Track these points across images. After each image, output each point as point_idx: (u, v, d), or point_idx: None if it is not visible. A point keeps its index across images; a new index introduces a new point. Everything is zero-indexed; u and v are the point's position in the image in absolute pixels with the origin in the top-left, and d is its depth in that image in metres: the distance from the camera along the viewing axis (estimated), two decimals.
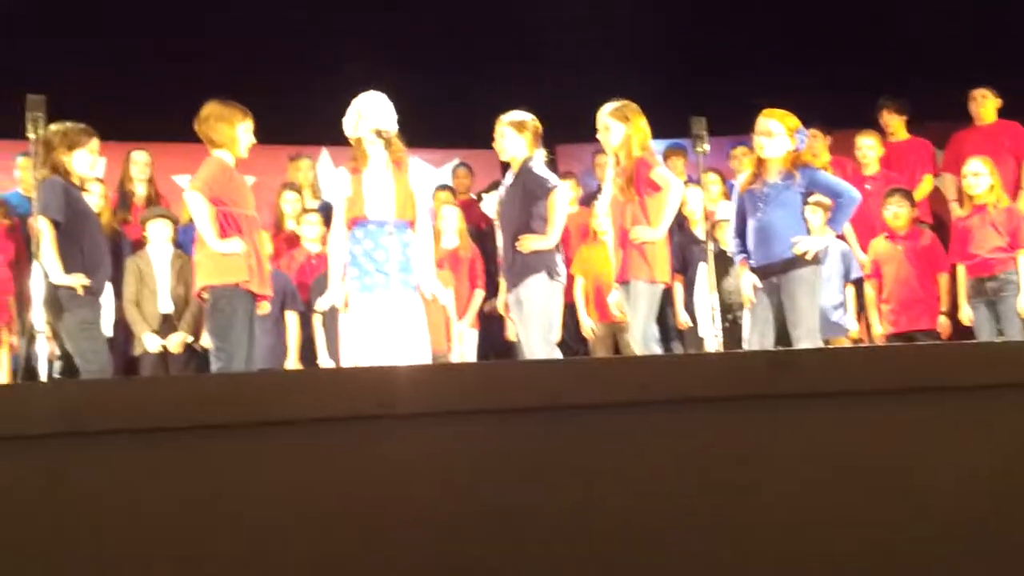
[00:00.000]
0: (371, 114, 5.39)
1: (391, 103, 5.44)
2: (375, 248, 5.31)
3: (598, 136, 5.72)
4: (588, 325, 6.88)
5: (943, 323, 6.63)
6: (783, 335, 5.39)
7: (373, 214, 5.34)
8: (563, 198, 5.68)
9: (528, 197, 5.57)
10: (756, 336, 5.33)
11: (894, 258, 6.72)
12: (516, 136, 5.66)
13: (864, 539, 2.22)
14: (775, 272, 5.29)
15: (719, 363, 2.46)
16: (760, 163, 5.43)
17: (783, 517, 2.19)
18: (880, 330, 6.71)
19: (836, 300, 6.56)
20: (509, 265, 5.63)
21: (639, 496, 2.19)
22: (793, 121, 5.40)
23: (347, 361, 5.31)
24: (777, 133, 5.36)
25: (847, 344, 6.39)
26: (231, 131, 5.29)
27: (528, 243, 5.52)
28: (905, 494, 2.26)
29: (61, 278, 5.10)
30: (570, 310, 6.81)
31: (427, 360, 5.37)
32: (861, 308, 6.88)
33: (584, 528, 2.16)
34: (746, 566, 2.16)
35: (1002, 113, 7.35)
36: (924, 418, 2.28)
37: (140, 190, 7.10)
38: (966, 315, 6.46)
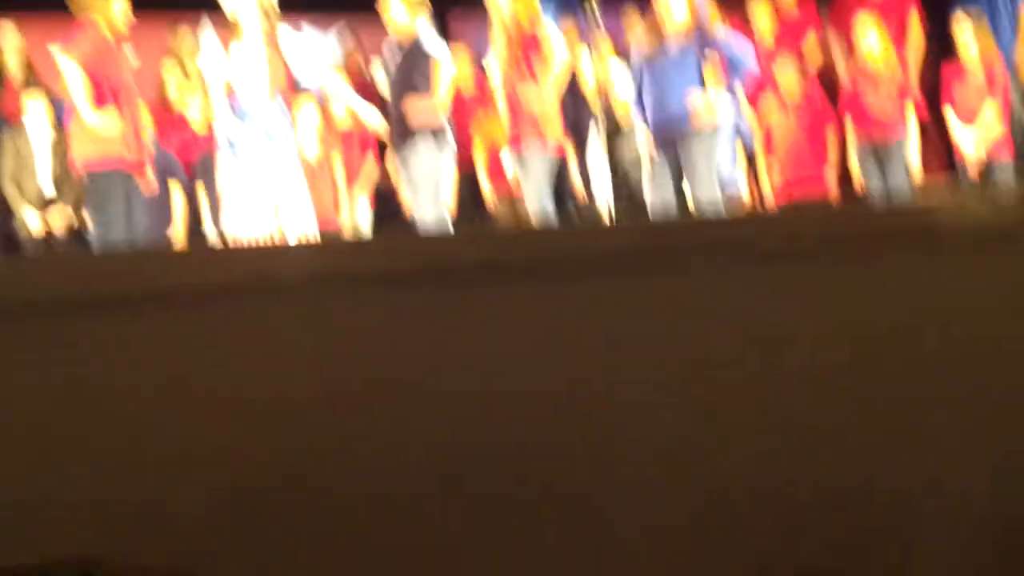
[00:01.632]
0: None
1: None
2: (253, 121, 5.20)
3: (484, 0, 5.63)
4: (489, 193, 6.85)
5: (832, 178, 6.73)
6: (681, 199, 5.45)
7: (248, 88, 5.22)
8: (447, 64, 5.59)
9: (413, 64, 5.49)
10: (657, 197, 5.37)
11: (784, 122, 6.78)
12: (399, 3, 5.54)
13: (743, 405, 2.26)
14: (673, 136, 5.30)
15: (610, 234, 2.47)
16: (660, 27, 5.39)
17: (672, 378, 2.22)
18: (769, 188, 6.80)
19: (727, 159, 6.61)
20: (394, 132, 5.57)
21: (532, 365, 2.20)
22: None
23: (230, 233, 5.25)
24: None
25: (738, 203, 6.48)
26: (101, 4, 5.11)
27: (413, 108, 5.45)
28: (787, 355, 2.30)
29: None
30: (472, 179, 6.77)
31: (313, 229, 5.34)
32: (752, 167, 6.96)
33: (473, 405, 2.16)
34: (631, 431, 2.19)
35: None
36: (808, 279, 2.31)
37: (13, 65, 6.81)
38: (857, 173, 6.58)
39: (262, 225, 5.11)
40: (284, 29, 5.46)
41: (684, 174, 5.32)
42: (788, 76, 6.75)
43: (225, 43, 5.30)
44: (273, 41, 5.29)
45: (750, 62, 5.38)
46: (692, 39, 5.29)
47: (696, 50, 5.31)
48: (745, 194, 6.85)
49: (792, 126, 6.75)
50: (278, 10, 5.30)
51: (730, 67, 5.42)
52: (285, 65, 5.32)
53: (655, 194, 5.38)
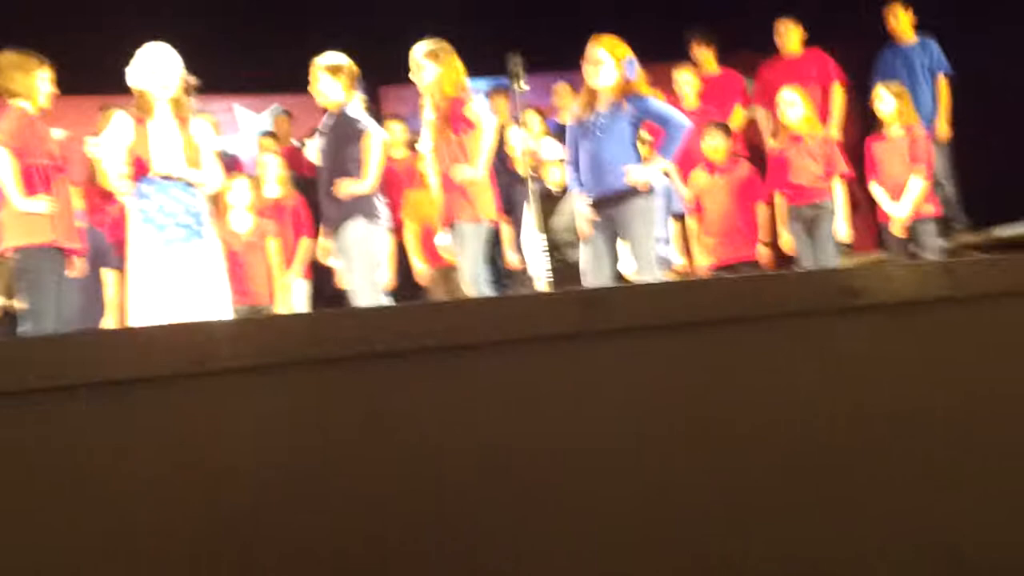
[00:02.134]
0: (154, 64, 5.25)
1: (176, 54, 5.30)
2: (168, 202, 5.17)
3: (411, 76, 5.68)
4: (420, 270, 6.87)
5: (763, 252, 6.83)
6: (615, 268, 5.48)
7: (161, 168, 5.20)
8: (377, 141, 5.63)
9: (343, 141, 5.52)
10: (593, 270, 5.39)
11: (713, 190, 6.89)
12: (331, 80, 5.59)
13: (685, 477, 2.26)
14: (610, 204, 5.34)
15: (533, 303, 2.48)
16: (591, 93, 5.46)
17: (602, 458, 2.23)
18: (704, 263, 6.89)
19: (660, 234, 6.69)
20: (327, 212, 5.58)
21: (466, 440, 2.20)
22: (622, 50, 5.42)
23: (144, 320, 5.15)
24: (605, 61, 5.39)
25: (672, 278, 6.55)
26: (29, 80, 5.10)
27: (344, 187, 5.47)
28: (728, 424, 2.31)
29: None
30: (403, 256, 6.79)
31: (231, 314, 5.30)
32: (686, 242, 7.05)
33: (412, 475, 2.15)
34: (564, 507, 2.19)
35: (806, 42, 7.57)
36: (742, 348, 2.33)
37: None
38: (787, 242, 6.68)
39: (178, 308, 5.02)
40: (197, 107, 5.46)
41: (622, 241, 5.35)
42: (714, 143, 6.86)
43: (132, 120, 5.26)
44: (184, 124, 5.28)
45: (684, 121, 5.45)
46: (624, 104, 5.35)
47: (629, 115, 5.36)
48: (678, 263, 6.92)
49: (721, 191, 6.85)
50: (191, 87, 5.30)
51: (666, 133, 5.48)
52: (197, 147, 5.29)
53: (593, 263, 5.40)
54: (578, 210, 5.48)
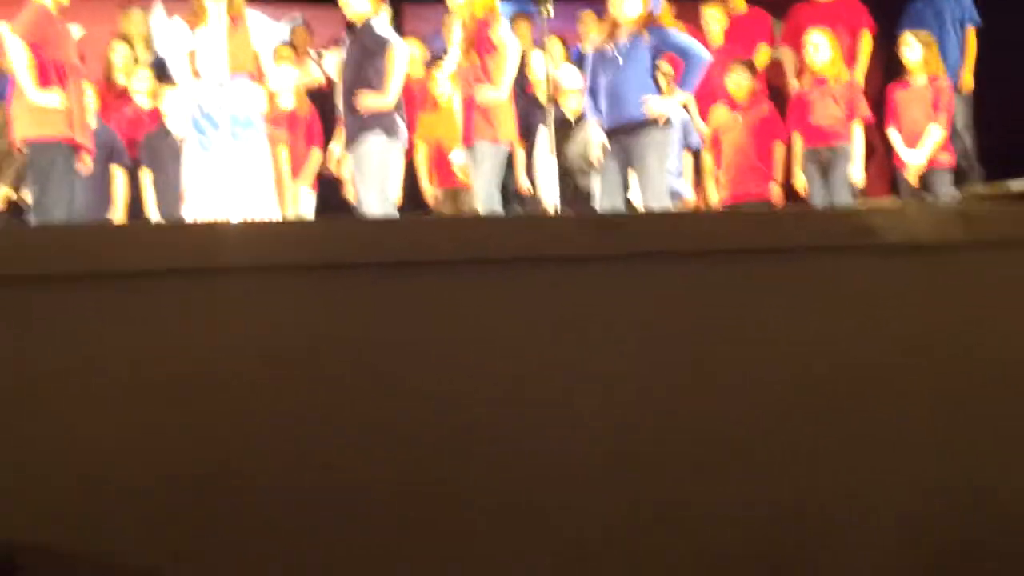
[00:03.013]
0: None
1: None
2: (212, 105, 5.15)
3: None
4: (429, 191, 6.85)
5: (776, 191, 6.80)
6: (625, 197, 5.47)
7: (209, 71, 5.17)
8: (401, 56, 5.58)
9: (366, 55, 5.48)
10: (607, 199, 5.38)
11: (733, 128, 6.84)
12: None
13: (690, 406, 2.26)
14: (625, 134, 5.31)
15: (551, 225, 2.47)
16: (613, 22, 5.41)
17: (607, 381, 2.22)
18: (716, 198, 6.86)
19: (674, 167, 6.65)
20: (346, 124, 5.55)
21: (470, 356, 2.19)
22: None
23: (188, 215, 5.19)
24: None
25: (679, 208, 6.53)
26: None
27: (365, 100, 5.43)
28: (736, 355, 2.31)
29: None
30: (412, 177, 6.77)
31: (276, 214, 5.32)
32: (699, 177, 7.01)
33: (411, 390, 2.15)
34: (574, 429, 2.19)
35: None
36: (748, 280, 2.32)
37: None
38: (801, 182, 6.65)
39: (222, 210, 5.04)
40: (251, 13, 5.42)
41: (634, 171, 5.34)
42: (738, 80, 6.80)
43: (187, 25, 5.23)
44: (236, 25, 5.24)
45: (705, 60, 5.40)
46: (645, 35, 5.31)
47: (650, 46, 5.32)
48: (691, 198, 6.89)
49: (740, 129, 6.80)
50: None
51: (686, 65, 5.44)
52: (251, 49, 5.26)
53: (604, 190, 5.39)
54: (593, 138, 5.45)
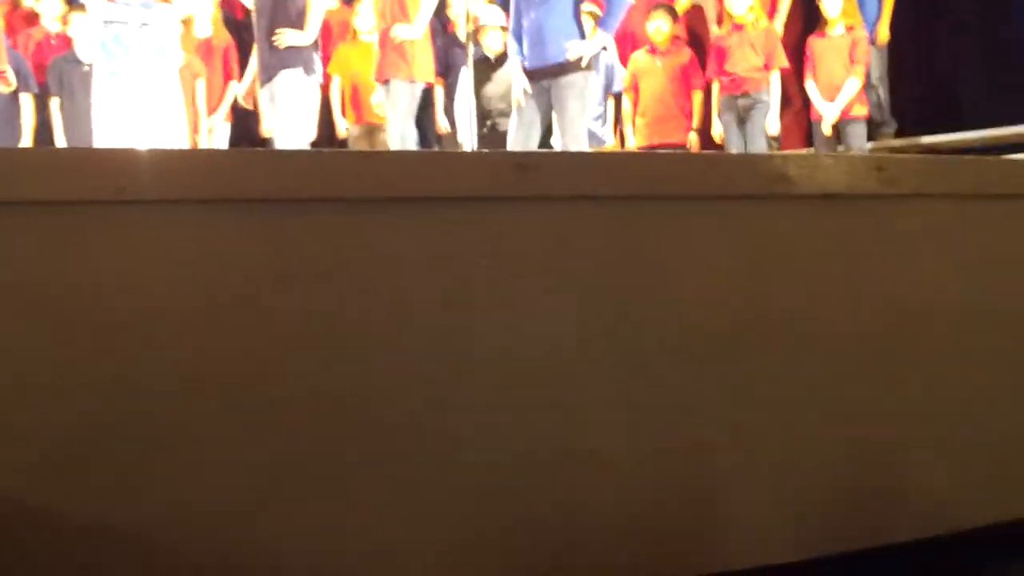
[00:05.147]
0: None
1: None
2: (123, 31, 5.01)
3: None
4: (343, 126, 6.76)
5: (693, 139, 6.83)
6: (547, 140, 5.45)
7: None
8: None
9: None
10: (520, 138, 5.34)
11: (652, 72, 6.83)
12: None
13: (598, 347, 2.27)
14: (547, 76, 5.28)
15: (467, 162, 2.45)
16: None
17: (523, 318, 2.22)
18: (633, 143, 6.87)
19: (596, 112, 6.64)
20: (264, 58, 5.44)
21: (380, 296, 2.17)
22: None
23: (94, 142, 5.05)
24: None
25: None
26: None
27: (284, 38, 5.34)
28: (647, 299, 2.32)
29: None
30: (327, 111, 6.67)
31: (181, 142, 5.20)
32: (618, 121, 7.01)
33: (324, 330, 2.13)
34: (479, 364, 2.19)
35: None
36: (663, 225, 2.33)
37: None
38: (717, 131, 6.68)
39: (132, 139, 4.92)
40: None
41: (555, 110, 5.31)
42: (659, 24, 6.78)
43: None
44: None
45: (624, 1, 5.38)
46: None
47: None
48: (611, 142, 6.90)
49: (659, 74, 6.80)
50: None
51: (606, 7, 5.40)
52: None
53: (519, 130, 5.35)
54: (515, 79, 5.40)
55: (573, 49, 5.20)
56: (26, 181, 2.00)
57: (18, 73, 5.96)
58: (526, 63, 5.33)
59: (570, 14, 5.28)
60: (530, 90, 5.31)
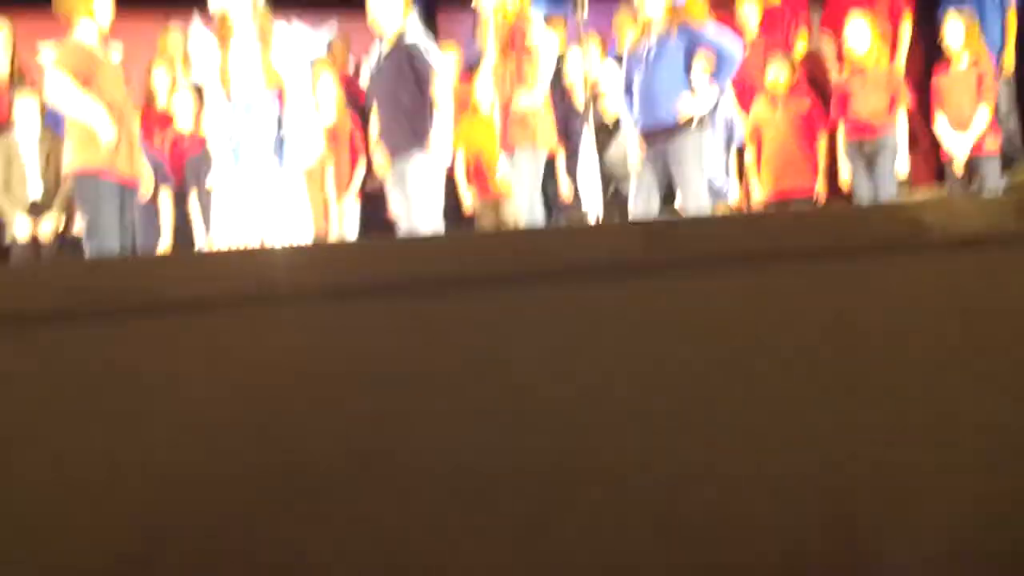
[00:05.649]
0: None
1: None
2: (245, 124, 5.16)
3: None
4: (468, 201, 6.84)
5: (820, 187, 6.73)
6: (670, 201, 5.42)
7: (241, 88, 5.18)
8: (447, 79, 5.53)
9: (404, 74, 5.43)
10: (641, 203, 5.32)
11: (774, 122, 6.76)
12: (388, 3, 5.48)
13: (739, 406, 2.25)
14: (661, 136, 5.26)
15: (596, 234, 2.46)
16: (643, 22, 5.37)
17: (662, 387, 2.21)
18: (759, 195, 6.80)
19: (719, 166, 6.60)
20: (389, 140, 5.51)
21: (522, 369, 2.19)
22: None
23: (220, 241, 5.19)
24: None
25: (728, 211, 6.47)
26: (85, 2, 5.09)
27: (411, 118, 5.40)
28: (782, 357, 2.29)
29: None
30: (450, 185, 6.76)
31: (308, 238, 5.30)
32: (741, 173, 6.95)
33: (467, 408, 2.15)
34: (618, 437, 2.19)
35: None
36: (796, 283, 2.30)
37: (2, 66, 6.75)
38: (844, 177, 6.57)
39: (256, 230, 5.05)
40: (278, 25, 5.40)
41: (672, 172, 5.28)
42: (777, 72, 6.74)
43: (218, 41, 5.23)
44: (266, 38, 5.23)
45: (736, 54, 5.34)
46: (676, 32, 5.24)
47: (682, 44, 5.26)
48: (735, 196, 6.83)
49: (781, 123, 6.73)
50: (268, 12, 5.25)
51: (717, 61, 5.37)
52: (279, 63, 5.25)
53: (639, 194, 5.34)
54: (628, 144, 5.40)
55: (684, 109, 5.18)
56: (168, 284, 2.08)
57: (156, 172, 6.19)
58: (639, 125, 5.33)
59: (679, 72, 5.25)
60: (644, 154, 5.29)
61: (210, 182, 5.30)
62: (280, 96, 5.26)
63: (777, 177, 6.72)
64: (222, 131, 5.21)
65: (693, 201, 5.18)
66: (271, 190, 5.14)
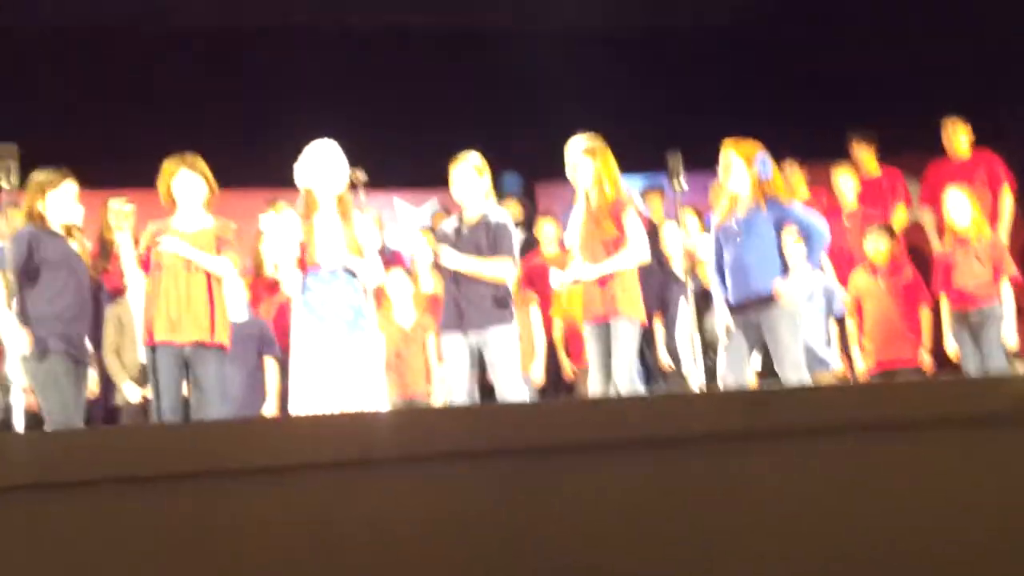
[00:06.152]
0: (322, 160, 5.40)
1: (341, 152, 5.43)
2: (331, 295, 5.28)
3: (567, 173, 5.68)
4: (568, 367, 6.87)
5: (926, 358, 6.63)
6: (769, 370, 5.37)
7: (324, 261, 5.32)
8: (511, 269, 5.63)
9: (486, 248, 5.53)
10: (731, 374, 5.29)
11: (875, 293, 6.72)
12: (476, 179, 5.62)
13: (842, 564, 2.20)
14: (753, 309, 5.25)
15: (696, 402, 2.46)
16: (731, 196, 5.41)
17: (762, 557, 2.17)
18: (862, 366, 6.70)
19: (820, 336, 6.55)
20: (473, 313, 5.54)
21: (620, 537, 2.17)
22: (749, 148, 5.36)
23: (299, 408, 5.23)
24: (735, 164, 5.34)
25: (831, 381, 6.38)
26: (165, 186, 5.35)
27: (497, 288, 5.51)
28: (885, 530, 2.25)
29: (5, 332, 5.05)
30: (550, 351, 6.80)
31: (387, 406, 5.34)
32: (843, 343, 6.88)
33: (566, 571, 2.13)
34: None
35: (975, 143, 7.39)
36: (899, 453, 2.27)
37: (121, 240, 7.02)
38: (951, 349, 6.47)
39: (336, 398, 5.10)
40: (366, 202, 5.56)
41: (767, 342, 5.26)
42: (876, 243, 6.72)
43: (303, 215, 5.41)
44: (347, 213, 5.40)
45: (825, 233, 5.35)
46: (765, 207, 5.28)
47: (771, 218, 5.29)
48: (838, 366, 6.75)
49: (883, 294, 6.69)
50: (359, 182, 5.41)
51: (806, 239, 5.38)
52: (359, 241, 5.40)
53: (731, 364, 5.31)
54: (718, 316, 5.41)
55: (779, 288, 5.17)
56: (274, 447, 2.11)
57: (261, 338, 6.33)
58: (731, 298, 5.34)
59: (770, 245, 5.27)
60: (734, 327, 5.29)
61: (294, 350, 5.38)
62: (362, 266, 5.37)
63: (880, 347, 6.65)
64: (307, 300, 5.33)
65: (791, 369, 5.14)
66: (355, 356, 5.21)
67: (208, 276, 5.31)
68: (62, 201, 5.24)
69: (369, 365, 5.28)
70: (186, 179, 5.36)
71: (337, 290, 5.30)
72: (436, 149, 7.75)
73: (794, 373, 5.12)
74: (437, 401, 6.41)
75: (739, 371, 5.28)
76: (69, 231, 5.33)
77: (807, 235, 5.36)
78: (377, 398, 5.25)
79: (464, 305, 5.49)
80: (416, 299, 6.69)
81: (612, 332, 5.54)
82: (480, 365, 5.52)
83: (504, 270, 5.49)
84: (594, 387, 5.54)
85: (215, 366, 5.24)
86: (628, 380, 5.47)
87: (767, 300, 5.20)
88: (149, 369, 5.25)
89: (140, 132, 7.51)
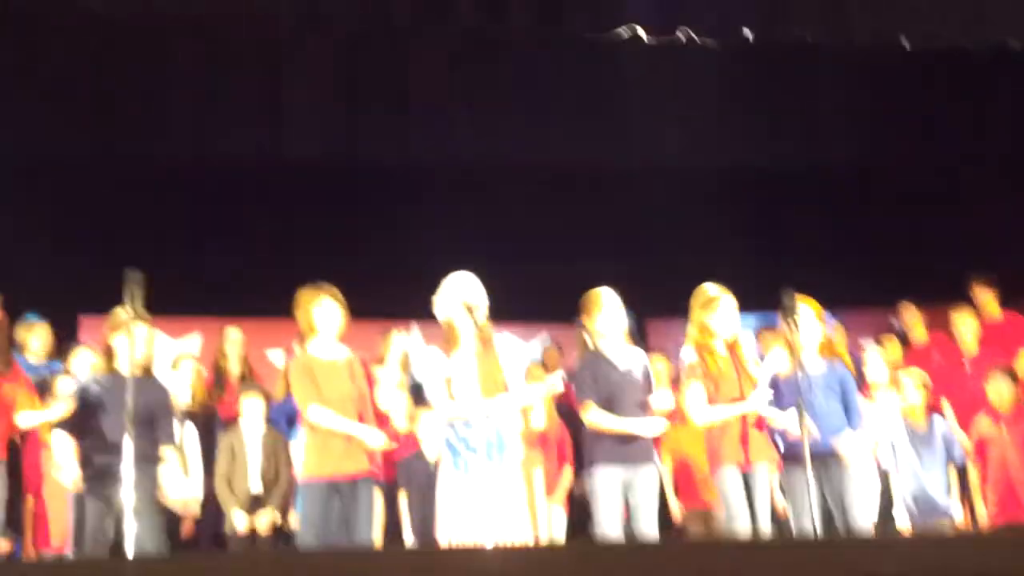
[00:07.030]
0: (463, 292, 5.42)
1: (480, 283, 5.49)
2: (466, 428, 5.26)
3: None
4: (676, 509, 6.75)
5: None
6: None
7: (463, 395, 5.32)
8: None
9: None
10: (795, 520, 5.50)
11: (998, 440, 6.50)
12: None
13: None
14: (822, 459, 5.35)
15: (806, 548, 2.39)
16: (798, 351, 5.45)
17: None
18: (985, 516, 6.45)
19: (940, 482, 6.33)
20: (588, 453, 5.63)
21: None
22: (817, 306, 5.60)
23: (444, 540, 5.23)
24: (804, 317, 5.47)
25: (949, 528, 6.16)
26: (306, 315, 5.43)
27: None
28: None
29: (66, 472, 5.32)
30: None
31: (527, 538, 5.30)
32: (964, 491, 6.64)
33: None
34: None
35: None
36: None
37: (234, 367, 7.18)
38: None
39: (475, 532, 5.07)
40: (502, 335, 5.64)
41: (841, 492, 5.46)
42: (999, 388, 6.52)
43: (444, 348, 5.44)
44: (487, 349, 5.41)
45: (862, 417, 5.63)
46: (832, 363, 5.50)
47: (836, 374, 5.52)
48: (959, 516, 6.51)
49: (1006, 441, 6.46)
50: (488, 321, 5.45)
51: (846, 411, 5.59)
52: (500, 372, 5.42)
53: (793, 511, 5.52)
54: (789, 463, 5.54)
55: (845, 443, 5.41)
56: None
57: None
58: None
59: (835, 400, 5.52)
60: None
61: (441, 482, 5.37)
62: (503, 400, 5.38)
63: (1004, 498, 6.39)
64: (445, 434, 5.33)
65: (863, 518, 5.39)
66: (490, 492, 5.18)
67: None
68: (127, 341, 5.24)
69: (513, 497, 5.24)
70: (328, 308, 5.44)
71: (481, 423, 5.28)
72: (546, 283, 7.86)
73: (864, 518, 5.44)
74: (544, 537, 6.34)
75: (801, 517, 5.42)
76: (147, 366, 5.48)
77: (847, 407, 5.61)
78: (520, 530, 5.21)
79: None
80: (525, 436, 6.67)
81: (724, 475, 5.48)
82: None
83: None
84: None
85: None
86: (737, 523, 5.42)
87: (833, 452, 5.42)
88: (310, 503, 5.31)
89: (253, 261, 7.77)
